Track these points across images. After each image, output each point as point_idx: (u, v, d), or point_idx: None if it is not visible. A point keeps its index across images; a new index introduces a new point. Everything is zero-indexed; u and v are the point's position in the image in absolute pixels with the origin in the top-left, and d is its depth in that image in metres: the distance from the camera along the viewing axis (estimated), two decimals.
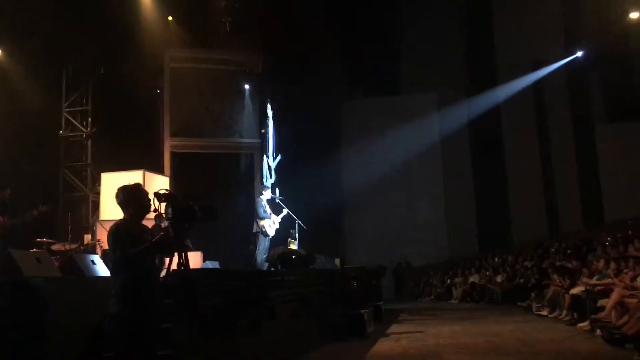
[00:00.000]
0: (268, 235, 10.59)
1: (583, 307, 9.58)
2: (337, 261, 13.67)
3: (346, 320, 9.76)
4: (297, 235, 11.11)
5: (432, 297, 21.00)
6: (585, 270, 10.81)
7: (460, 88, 24.02)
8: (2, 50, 12.68)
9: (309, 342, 8.37)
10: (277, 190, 12.77)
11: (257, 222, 10.48)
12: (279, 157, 15.39)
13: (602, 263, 10.87)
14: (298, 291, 8.25)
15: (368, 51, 23.13)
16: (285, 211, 10.97)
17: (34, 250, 8.09)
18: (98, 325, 5.55)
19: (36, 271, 5.71)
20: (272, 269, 8.87)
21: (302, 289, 8.45)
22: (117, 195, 4.33)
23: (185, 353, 4.73)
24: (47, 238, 9.55)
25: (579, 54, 21.30)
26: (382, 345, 8.57)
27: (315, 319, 8.85)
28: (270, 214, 10.80)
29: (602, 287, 9.27)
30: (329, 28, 20.86)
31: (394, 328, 10.89)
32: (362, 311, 9.99)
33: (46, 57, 13.23)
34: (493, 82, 23.09)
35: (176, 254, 4.08)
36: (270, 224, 10.62)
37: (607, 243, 13.88)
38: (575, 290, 10.37)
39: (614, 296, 8.24)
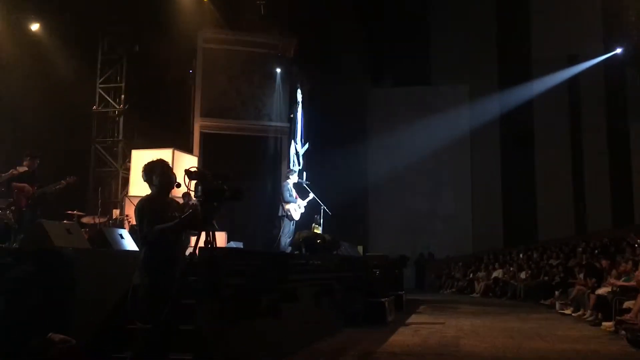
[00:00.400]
0: (293, 219, 10.63)
1: (608, 308, 9.45)
2: (360, 248, 13.67)
3: (367, 308, 9.80)
4: (321, 220, 11.13)
5: (453, 289, 20.92)
6: (613, 271, 10.63)
7: (492, 81, 23.64)
8: (40, 25, 12.88)
9: (329, 327, 8.42)
10: (304, 175, 12.80)
11: (282, 206, 10.53)
12: (307, 145, 15.41)
13: (630, 264, 10.68)
14: (320, 276, 8.28)
15: (398, 40, 22.88)
16: (311, 196, 11.00)
17: (65, 221, 8.26)
18: (122, 297, 5.68)
19: (66, 242, 5.84)
20: (296, 252, 8.92)
21: (324, 274, 8.48)
22: (143, 173, 4.39)
23: (205, 329, 4.79)
24: (78, 211, 9.75)
25: (618, 50, 20.81)
26: (401, 335, 8.59)
27: (336, 305, 8.89)
28: (296, 197, 10.84)
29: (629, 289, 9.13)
30: (359, 15, 20.72)
31: (414, 318, 10.90)
32: (383, 300, 10.00)
33: (81, 33, 13.40)
34: (527, 75, 22.71)
35: (204, 232, 4.11)
36: (296, 208, 10.67)
37: (636, 245, 13.63)
38: (601, 291, 10.24)
39: None
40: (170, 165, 4.54)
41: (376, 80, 25.07)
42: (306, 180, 11.55)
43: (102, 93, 14.64)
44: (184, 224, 4.10)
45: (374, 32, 22.76)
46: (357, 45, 21.15)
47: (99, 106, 14.63)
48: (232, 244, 9.93)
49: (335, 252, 9.78)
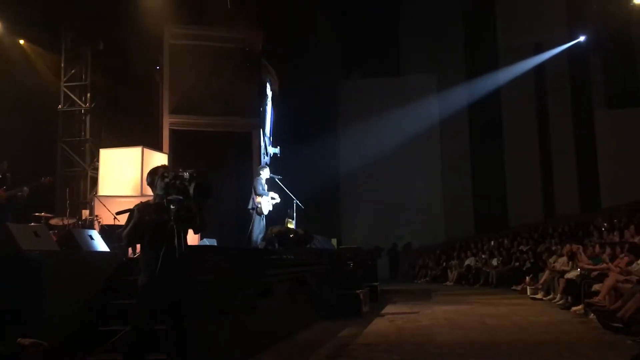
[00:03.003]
0: (263, 214, 10.58)
1: (577, 291, 9.66)
2: (334, 241, 13.70)
3: (342, 300, 9.85)
4: (294, 214, 11.11)
5: (427, 278, 21.14)
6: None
7: (460, 70, 23.89)
8: (0, 23, 12.57)
9: (304, 320, 8.44)
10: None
11: (253, 199, 10.47)
12: (277, 149, 15.38)
13: (597, 248, 10.94)
14: (294, 270, 8.29)
15: (367, 32, 22.95)
16: (277, 199, 10.91)
17: (32, 224, 8.10)
18: (94, 297, 5.61)
19: (34, 245, 5.73)
20: (270, 247, 8.90)
21: (298, 268, 8.48)
22: (147, 176, 4.47)
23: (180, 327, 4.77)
24: (46, 212, 9.56)
25: (582, 38, 21.20)
26: (377, 325, 8.65)
27: (311, 298, 8.91)
28: (268, 192, 10.78)
29: (597, 272, 9.34)
30: (327, 8, 20.70)
31: (389, 308, 10.98)
32: (357, 291, 10.05)
33: (43, 30, 13.14)
34: (494, 64, 22.98)
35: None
36: (268, 200, 10.62)
37: (603, 228, 13.95)
38: (570, 275, 10.46)
39: (609, 281, 8.30)
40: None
41: (346, 72, 25.11)
42: (277, 174, 11.47)
43: (67, 92, 14.34)
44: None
45: (343, 24, 22.76)
46: (326, 38, 21.12)
47: (64, 105, 14.34)
48: (206, 241, 9.85)
49: (308, 246, 9.78)
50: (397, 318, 9.37)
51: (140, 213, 4.17)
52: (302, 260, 8.75)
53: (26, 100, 12.35)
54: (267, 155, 14.80)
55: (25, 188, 8.54)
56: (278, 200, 10.88)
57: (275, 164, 14.57)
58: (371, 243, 16.20)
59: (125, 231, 4.22)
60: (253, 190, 10.51)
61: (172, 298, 4.06)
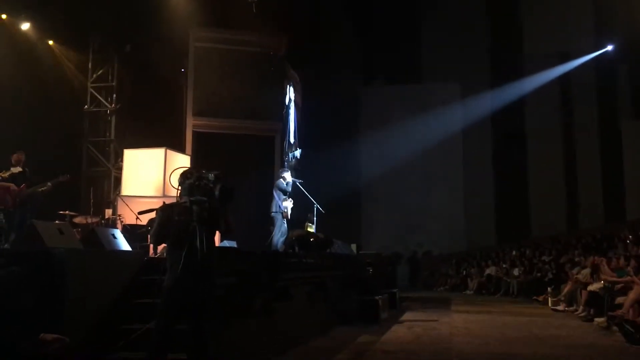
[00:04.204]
0: (287, 218, 10.60)
1: (600, 304, 9.51)
2: (354, 246, 13.67)
3: (360, 306, 9.81)
4: (314, 219, 11.12)
5: (446, 287, 20.98)
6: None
7: (484, 78, 23.70)
8: (30, 24, 12.82)
9: (322, 325, 8.43)
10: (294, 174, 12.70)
11: (277, 203, 10.48)
12: (299, 151, 15.41)
13: (622, 260, 10.75)
14: (314, 274, 8.28)
15: (389, 38, 22.89)
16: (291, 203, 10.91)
17: (57, 222, 8.22)
18: (115, 296, 5.67)
19: (58, 242, 5.81)
20: (290, 251, 8.90)
21: (318, 272, 8.48)
22: (178, 179, 4.48)
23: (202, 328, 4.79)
24: (70, 211, 9.70)
25: (609, 47, 20.92)
26: (395, 332, 8.60)
27: (330, 303, 8.90)
28: (288, 197, 10.80)
29: (621, 285, 9.18)
30: (350, 14, 20.71)
31: (407, 315, 10.92)
32: (376, 297, 10.01)
33: (72, 32, 13.37)
34: (519, 73, 22.77)
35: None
36: (289, 206, 10.64)
37: (627, 240, 13.72)
38: (593, 287, 10.29)
39: (633, 294, 8.16)
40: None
41: (368, 78, 25.09)
42: (298, 178, 11.49)
43: (94, 92, 14.58)
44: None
45: (366, 30, 22.74)
46: (349, 44, 21.12)
47: (90, 106, 14.58)
48: (226, 243, 9.90)
49: (328, 251, 9.77)
50: (415, 325, 9.32)
51: (164, 213, 4.20)
52: (321, 264, 8.74)
53: (54, 100, 12.56)
54: (292, 158, 14.84)
55: (49, 183, 8.67)
56: (291, 205, 10.88)
57: (297, 168, 14.60)
58: (391, 250, 16.13)
59: (152, 231, 4.26)
60: (275, 194, 10.51)
61: (193, 299, 4.08)
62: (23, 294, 4.80)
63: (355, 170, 22.75)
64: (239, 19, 14.35)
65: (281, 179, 10.75)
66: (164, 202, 4.43)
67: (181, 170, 4.39)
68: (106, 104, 14.60)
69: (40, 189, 8.59)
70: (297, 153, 15.48)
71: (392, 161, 22.68)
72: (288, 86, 15.32)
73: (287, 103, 15.10)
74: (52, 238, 5.84)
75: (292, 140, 15.29)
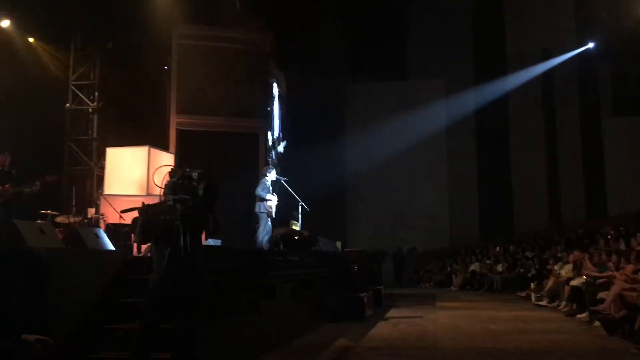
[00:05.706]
0: (272, 217, 10.57)
1: (582, 299, 9.61)
2: (339, 244, 13.68)
3: (345, 303, 9.82)
4: (299, 216, 11.11)
5: (431, 283, 21.09)
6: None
7: (468, 75, 23.82)
8: (10, 21, 12.65)
9: (308, 323, 8.42)
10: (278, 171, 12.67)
11: (262, 203, 10.44)
12: (284, 143, 15.38)
13: (603, 256, 10.88)
14: (299, 272, 8.27)
15: (375, 35, 22.95)
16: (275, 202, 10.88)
17: (39, 221, 8.12)
18: (98, 296, 5.62)
19: (39, 242, 5.74)
20: (275, 249, 8.89)
21: (303, 270, 8.47)
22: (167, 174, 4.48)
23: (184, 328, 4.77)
24: (52, 210, 9.59)
25: (590, 45, 21.15)
26: (381, 329, 8.63)
27: (315, 300, 8.90)
28: (273, 194, 10.76)
29: (603, 280, 9.28)
30: (336, 11, 20.69)
31: (392, 312, 10.95)
32: (361, 294, 10.03)
33: (53, 29, 13.21)
34: (502, 70, 22.94)
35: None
36: (274, 204, 10.61)
37: (609, 236, 13.88)
38: (575, 282, 10.40)
39: (615, 289, 8.24)
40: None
41: (354, 75, 25.10)
42: (283, 176, 11.46)
43: (75, 90, 14.41)
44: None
45: (352, 27, 22.76)
46: (334, 41, 21.11)
47: (72, 104, 14.41)
48: (210, 242, 9.86)
49: (313, 248, 9.77)
50: (401, 322, 9.35)
51: (148, 212, 4.17)
52: (306, 262, 8.74)
53: (34, 97, 12.39)
54: (275, 156, 14.82)
55: (37, 183, 8.56)
56: (276, 203, 10.84)
57: (282, 164, 14.58)
58: (376, 247, 16.17)
59: (136, 230, 4.24)
60: (259, 195, 10.44)
61: (178, 297, 4.06)
62: (4, 295, 4.74)
63: (340, 167, 22.75)
64: (223, 16, 14.30)
65: (265, 179, 10.69)
66: (143, 202, 4.40)
67: (165, 169, 4.37)
68: (88, 102, 14.43)
69: (27, 189, 8.48)
70: (281, 147, 15.45)
71: (377, 158, 22.71)
72: (272, 82, 15.29)
73: (271, 99, 15.08)
74: (33, 237, 5.76)
75: (276, 134, 15.27)
